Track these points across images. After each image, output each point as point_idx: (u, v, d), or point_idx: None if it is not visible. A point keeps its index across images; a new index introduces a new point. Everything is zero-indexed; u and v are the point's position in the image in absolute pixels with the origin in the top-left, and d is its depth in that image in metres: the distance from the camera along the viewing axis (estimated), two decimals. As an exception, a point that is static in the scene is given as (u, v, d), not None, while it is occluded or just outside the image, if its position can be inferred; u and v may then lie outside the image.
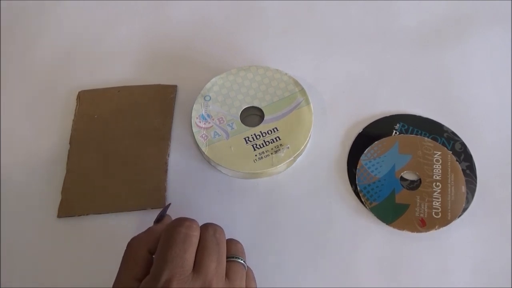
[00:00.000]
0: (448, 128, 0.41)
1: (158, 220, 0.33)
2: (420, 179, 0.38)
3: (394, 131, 0.41)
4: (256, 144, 0.39)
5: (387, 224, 0.37)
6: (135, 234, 0.31)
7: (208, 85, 0.42)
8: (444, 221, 0.36)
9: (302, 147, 0.39)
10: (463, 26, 0.47)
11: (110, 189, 0.39)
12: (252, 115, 0.42)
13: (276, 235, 0.37)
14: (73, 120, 0.43)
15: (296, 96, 0.41)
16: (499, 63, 0.44)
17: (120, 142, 0.41)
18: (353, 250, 0.36)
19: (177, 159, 0.41)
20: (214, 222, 0.31)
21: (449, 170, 0.38)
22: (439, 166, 0.38)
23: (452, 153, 0.39)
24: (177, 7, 0.50)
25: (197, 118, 0.40)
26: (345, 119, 0.42)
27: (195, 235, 0.29)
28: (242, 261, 0.30)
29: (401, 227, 0.36)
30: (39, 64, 0.47)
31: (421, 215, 0.37)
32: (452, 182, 0.38)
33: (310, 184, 0.39)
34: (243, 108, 0.41)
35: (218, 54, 0.46)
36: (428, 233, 0.36)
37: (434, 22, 0.47)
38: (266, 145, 0.39)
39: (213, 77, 0.42)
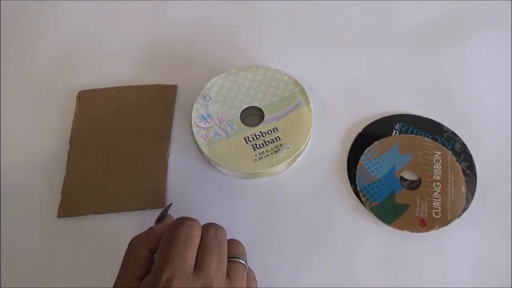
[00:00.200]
0: (448, 128, 0.41)
1: (160, 219, 0.33)
2: (420, 179, 0.38)
3: (394, 131, 0.41)
4: (256, 144, 0.39)
5: (387, 224, 0.37)
6: (135, 234, 0.31)
7: (208, 85, 0.42)
8: (444, 221, 0.36)
9: (302, 147, 0.39)
10: (463, 26, 0.47)
11: (110, 189, 0.39)
12: (252, 115, 0.42)
13: (276, 235, 0.37)
14: (73, 120, 0.43)
15: (296, 96, 0.41)
16: (499, 63, 0.44)
17: (120, 142, 0.41)
18: (353, 250, 0.36)
19: (177, 159, 0.41)
20: (214, 222, 0.31)
21: (449, 170, 0.38)
22: (439, 166, 0.38)
23: (452, 153, 0.39)
24: (177, 7, 0.50)
25: (197, 118, 0.40)
26: (345, 119, 0.42)
27: (197, 234, 0.29)
28: (243, 261, 0.30)
29: (401, 227, 0.36)
30: (39, 64, 0.47)
31: (421, 215, 0.37)
32: (452, 182, 0.38)
33: (310, 184, 0.39)
34: (243, 108, 0.41)
35: (218, 54, 0.46)
36: (428, 233, 0.36)
37: (434, 22, 0.47)
38: (266, 145, 0.39)
39: (213, 77, 0.42)
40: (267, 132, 0.39)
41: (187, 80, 0.45)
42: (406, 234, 0.36)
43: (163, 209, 0.33)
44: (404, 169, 0.39)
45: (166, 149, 0.41)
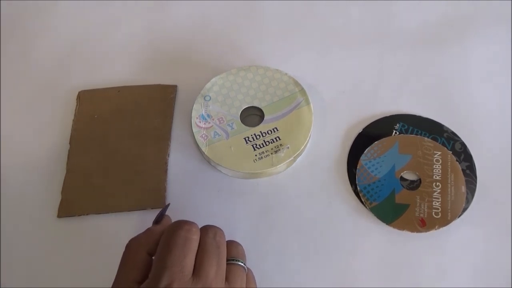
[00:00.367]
0: (448, 128, 0.41)
1: (157, 220, 0.33)
2: (420, 179, 0.38)
3: (394, 131, 0.41)
4: (256, 144, 0.39)
5: (387, 224, 0.37)
6: (135, 234, 0.31)
7: (208, 85, 0.42)
8: (444, 221, 0.36)
9: (302, 147, 0.39)
10: (463, 26, 0.47)
11: (110, 189, 0.39)
12: (252, 115, 0.42)
13: (276, 235, 0.37)
14: (73, 120, 0.43)
15: (296, 96, 0.41)
16: (499, 63, 0.44)
17: (120, 142, 0.41)
18: (353, 250, 0.36)
19: (177, 159, 0.41)
20: (213, 223, 0.31)
21: (449, 170, 0.38)
22: (439, 166, 0.38)
23: (452, 153, 0.39)
24: (177, 7, 0.50)
25: (197, 118, 0.40)
26: (345, 119, 0.42)
27: (195, 238, 0.28)
28: (242, 264, 0.30)
29: (401, 227, 0.36)
30: (39, 64, 0.47)
31: (421, 215, 0.37)
32: (452, 182, 0.38)
33: (310, 184, 0.39)
34: (243, 108, 0.41)
35: (218, 54, 0.46)
36: (428, 233, 0.36)
37: (434, 22, 0.47)
38: (266, 145, 0.39)
39: (213, 77, 0.42)
40: (267, 132, 0.39)
41: (187, 80, 0.45)
42: (406, 234, 0.36)
43: (160, 210, 0.33)
44: (404, 169, 0.39)
45: (166, 149, 0.41)
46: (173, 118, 0.43)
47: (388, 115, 0.42)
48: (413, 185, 0.38)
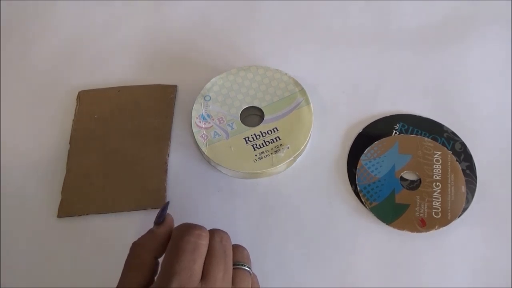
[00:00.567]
0: (448, 128, 0.41)
1: (159, 221, 0.32)
2: (420, 179, 0.38)
3: (394, 131, 0.41)
4: (256, 144, 0.39)
5: (387, 224, 0.37)
6: (135, 234, 0.31)
7: (208, 85, 0.42)
8: (444, 221, 0.36)
9: (302, 147, 0.39)
10: (463, 26, 0.47)
11: (110, 189, 0.39)
12: (252, 115, 0.42)
13: (276, 235, 0.37)
14: (73, 120, 0.43)
15: (296, 96, 0.41)
16: (499, 63, 0.44)
17: (120, 142, 0.41)
18: (353, 250, 0.36)
19: (177, 159, 0.41)
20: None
21: (449, 170, 0.38)
22: (439, 166, 0.38)
23: (452, 153, 0.39)
24: (177, 7, 0.50)
25: (197, 118, 0.40)
26: (345, 119, 0.42)
27: (204, 244, 0.28)
28: (248, 268, 0.30)
29: (401, 227, 0.36)
30: (39, 64, 0.47)
31: (421, 215, 0.37)
32: (452, 182, 0.38)
33: (310, 184, 0.39)
34: (243, 108, 0.41)
35: (218, 54, 0.46)
36: (428, 233, 0.36)
37: (434, 22, 0.47)
38: (266, 145, 0.39)
39: (213, 77, 0.42)
40: (267, 132, 0.39)
41: (187, 80, 0.45)
42: (406, 234, 0.36)
43: (160, 209, 0.32)
44: (404, 169, 0.39)
45: (166, 149, 0.41)
46: (173, 118, 0.43)
47: (388, 115, 0.42)
48: (413, 185, 0.38)
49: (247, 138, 0.39)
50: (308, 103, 0.41)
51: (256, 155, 0.38)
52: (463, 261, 0.35)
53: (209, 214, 0.38)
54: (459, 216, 0.37)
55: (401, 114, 0.42)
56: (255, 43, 0.47)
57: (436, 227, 0.36)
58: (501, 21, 0.47)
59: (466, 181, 0.38)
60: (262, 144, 0.39)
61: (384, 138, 0.40)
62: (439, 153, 0.39)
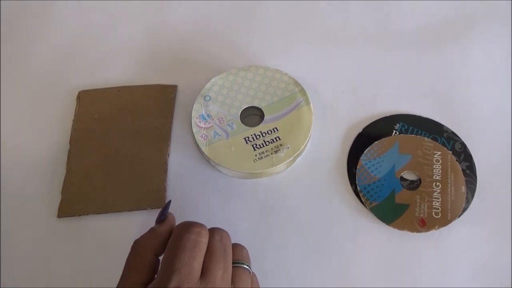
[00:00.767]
0: (448, 128, 0.41)
1: (161, 219, 0.32)
2: (420, 179, 0.38)
3: (394, 131, 0.41)
4: (256, 144, 0.39)
5: (387, 224, 0.37)
6: (135, 234, 0.31)
7: (208, 85, 0.42)
8: (444, 221, 0.36)
9: (302, 147, 0.39)
10: (463, 26, 0.47)
11: (110, 189, 0.39)
12: (252, 115, 0.42)
13: (276, 235, 0.37)
14: (73, 120, 0.43)
15: (296, 96, 0.41)
16: (499, 63, 0.44)
17: (120, 142, 0.41)
18: (353, 250, 0.36)
19: (177, 159, 0.41)
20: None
21: (449, 170, 0.38)
22: (439, 166, 0.38)
23: (452, 153, 0.39)
24: (177, 7, 0.50)
25: (197, 118, 0.40)
26: (345, 119, 0.42)
27: (204, 241, 0.28)
28: (247, 267, 0.30)
29: (401, 227, 0.36)
30: (39, 64, 0.47)
31: (421, 215, 0.37)
32: (452, 182, 0.38)
33: (310, 184, 0.39)
34: (243, 108, 0.41)
35: (218, 54, 0.46)
36: (428, 233, 0.36)
37: (434, 22, 0.47)
38: (266, 145, 0.39)
39: (213, 77, 0.42)
40: (267, 132, 0.39)
41: (187, 80, 0.45)
42: (406, 234, 0.36)
43: (162, 208, 0.32)
44: (404, 169, 0.39)
45: (166, 149, 0.41)
46: (173, 118, 0.43)
47: (388, 115, 0.42)
48: (413, 185, 0.38)
49: (247, 138, 0.39)
50: (308, 103, 0.41)
51: (256, 155, 0.38)
52: (463, 261, 0.35)
53: (209, 214, 0.38)
54: (459, 216, 0.37)
55: (401, 114, 0.42)
56: (255, 43, 0.47)
57: (436, 227, 0.36)
58: (501, 21, 0.47)
59: (466, 181, 0.38)
60: (262, 144, 0.39)
61: (384, 138, 0.40)
62: (439, 153, 0.39)
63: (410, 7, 0.48)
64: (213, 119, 0.40)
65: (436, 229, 0.36)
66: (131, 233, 0.37)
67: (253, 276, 0.31)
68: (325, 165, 0.40)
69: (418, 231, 0.36)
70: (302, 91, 0.41)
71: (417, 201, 0.37)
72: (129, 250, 0.30)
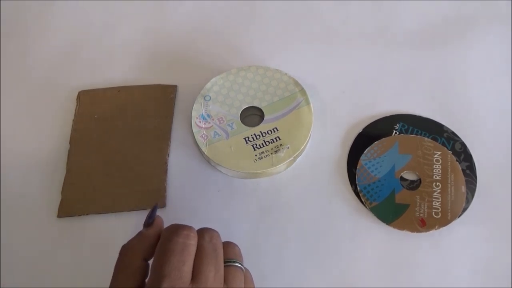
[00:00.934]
0: (448, 128, 0.41)
1: (148, 223, 0.31)
2: (420, 179, 0.38)
3: (394, 131, 0.41)
4: (256, 144, 0.39)
5: (387, 224, 0.37)
6: (135, 235, 0.31)
7: (208, 85, 0.42)
8: (444, 221, 0.36)
9: (302, 147, 0.39)
10: (463, 26, 0.47)
11: (110, 189, 0.39)
12: (252, 115, 0.42)
13: (276, 235, 0.37)
14: (73, 120, 0.43)
15: (296, 96, 0.41)
16: (499, 63, 0.44)
17: (120, 142, 0.41)
18: (353, 250, 0.36)
19: (177, 159, 0.41)
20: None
21: (449, 170, 0.38)
22: (439, 166, 0.38)
23: (452, 153, 0.39)
24: (177, 7, 0.50)
25: (197, 118, 0.40)
26: (345, 119, 0.42)
27: (193, 244, 0.28)
28: (240, 265, 0.30)
29: (401, 227, 0.36)
30: (39, 64, 0.47)
31: (421, 215, 0.37)
32: (452, 182, 0.38)
33: (310, 184, 0.39)
34: (243, 108, 0.41)
35: (218, 54, 0.46)
36: (428, 233, 0.36)
37: (434, 22, 0.47)
38: (266, 145, 0.39)
39: (213, 77, 0.42)
40: (267, 132, 0.39)
41: (187, 80, 0.45)
42: (406, 234, 0.36)
43: (150, 211, 0.31)
44: (404, 169, 0.39)
45: (166, 149, 0.41)
46: (173, 118, 0.43)
47: (388, 115, 0.42)
48: (413, 185, 0.38)
49: (247, 138, 0.39)
50: (308, 103, 0.41)
51: (256, 155, 0.38)
52: (463, 261, 0.35)
53: (209, 214, 0.38)
54: (459, 216, 0.37)
55: (401, 114, 0.42)
56: (255, 43, 0.47)
57: (436, 227, 0.36)
58: (501, 21, 0.47)
59: (466, 181, 0.38)
60: (262, 144, 0.39)
61: (384, 138, 0.40)
62: (439, 153, 0.39)
63: (410, 7, 0.48)
64: (213, 119, 0.40)
65: (436, 229, 0.36)
66: (131, 233, 0.37)
67: (246, 273, 0.31)
68: (325, 165, 0.40)
69: (418, 231, 0.36)
70: (302, 91, 0.41)
71: (417, 201, 0.37)
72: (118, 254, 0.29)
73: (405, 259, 0.36)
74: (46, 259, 0.37)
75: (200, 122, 0.40)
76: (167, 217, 0.38)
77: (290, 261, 0.36)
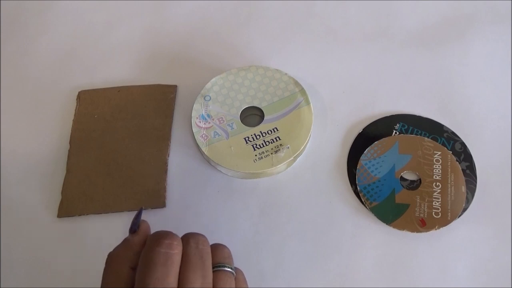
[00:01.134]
0: (448, 128, 0.41)
1: (133, 229, 0.29)
2: (420, 179, 0.38)
3: (394, 131, 0.41)
4: (256, 144, 0.39)
5: (387, 224, 0.37)
6: (121, 242, 0.30)
7: (208, 85, 0.42)
8: (444, 221, 0.36)
9: (302, 147, 0.39)
10: (463, 26, 0.47)
11: (110, 189, 0.39)
12: (252, 115, 0.42)
13: (276, 235, 0.37)
14: (73, 120, 0.43)
15: (296, 96, 0.41)
16: (499, 63, 0.44)
17: (120, 142, 0.41)
18: (353, 250, 0.36)
19: (177, 159, 0.41)
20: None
21: (449, 170, 0.38)
22: (439, 166, 0.38)
23: (452, 153, 0.39)
24: (177, 7, 0.50)
25: (197, 118, 0.40)
26: (345, 119, 0.42)
27: (177, 253, 0.27)
28: (229, 269, 0.29)
29: (401, 227, 0.36)
30: (39, 64, 0.47)
31: (421, 215, 0.37)
32: (452, 182, 0.38)
33: (310, 184, 0.39)
34: (243, 108, 0.41)
35: (218, 54, 0.46)
36: (428, 233, 0.36)
37: (434, 22, 0.47)
38: (266, 145, 0.39)
39: (213, 77, 0.42)
40: (267, 132, 0.39)
41: (187, 80, 0.45)
42: (406, 234, 0.36)
43: (134, 216, 0.29)
44: (404, 169, 0.39)
45: (166, 149, 0.41)
46: (173, 118, 0.43)
47: (388, 115, 0.42)
48: (413, 185, 0.38)
49: (247, 138, 0.39)
50: (308, 103, 0.41)
51: (256, 155, 0.38)
52: (463, 261, 0.35)
53: (209, 214, 0.38)
54: (459, 216, 0.37)
55: (401, 114, 0.42)
56: (255, 43, 0.47)
57: (436, 227, 0.36)
58: (501, 21, 0.47)
59: (466, 181, 0.38)
60: (262, 144, 0.39)
61: (384, 138, 0.40)
62: (439, 153, 0.39)
63: (410, 7, 0.48)
64: (213, 119, 0.40)
65: (436, 229, 0.36)
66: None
67: (238, 274, 0.30)
68: (325, 165, 0.40)
69: (418, 231, 0.36)
70: (302, 91, 0.41)
71: (417, 201, 0.37)
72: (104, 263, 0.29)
73: (405, 259, 0.36)
74: (46, 259, 0.37)
75: (200, 122, 0.40)
76: (167, 217, 0.38)
77: (290, 261, 0.36)
